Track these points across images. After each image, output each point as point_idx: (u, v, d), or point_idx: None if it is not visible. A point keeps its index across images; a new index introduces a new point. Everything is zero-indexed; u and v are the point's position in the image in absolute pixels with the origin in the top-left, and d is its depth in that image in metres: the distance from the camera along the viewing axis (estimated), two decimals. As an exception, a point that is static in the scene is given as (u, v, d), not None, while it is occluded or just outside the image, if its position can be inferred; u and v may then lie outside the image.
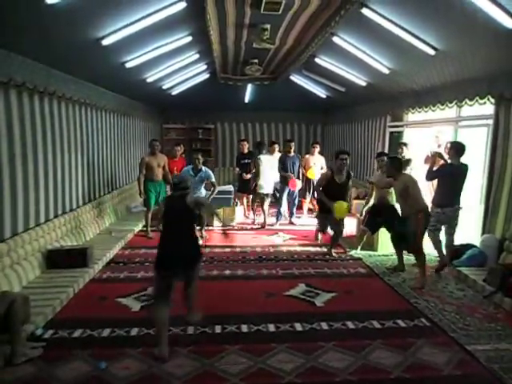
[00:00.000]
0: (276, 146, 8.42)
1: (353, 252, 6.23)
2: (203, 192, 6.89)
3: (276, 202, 8.52)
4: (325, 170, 8.68)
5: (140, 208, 8.13)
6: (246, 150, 8.78)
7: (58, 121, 5.51)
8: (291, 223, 8.25)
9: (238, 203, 8.73)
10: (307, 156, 8.95)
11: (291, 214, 8.31)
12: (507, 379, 3.00)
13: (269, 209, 8.22)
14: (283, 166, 7.92)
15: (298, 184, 8.01)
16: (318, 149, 8.84)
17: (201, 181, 6.72)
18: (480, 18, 3.90)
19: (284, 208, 8.21)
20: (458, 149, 5.29)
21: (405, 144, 7.02)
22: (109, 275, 5.18)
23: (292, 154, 8.08)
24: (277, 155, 8.31)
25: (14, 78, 4.24)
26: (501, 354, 3.36)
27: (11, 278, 4.14)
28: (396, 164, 5.11)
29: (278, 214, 8.12)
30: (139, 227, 7.35)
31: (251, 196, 8.39)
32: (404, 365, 3.24)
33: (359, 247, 6.36)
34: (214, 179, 6.83)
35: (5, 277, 4.05)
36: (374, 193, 6.16)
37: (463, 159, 5.33)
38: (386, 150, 8.29)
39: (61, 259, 4.91)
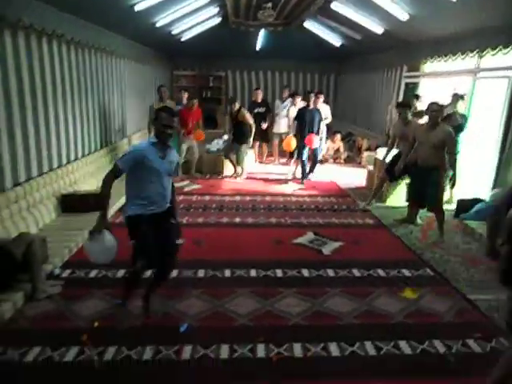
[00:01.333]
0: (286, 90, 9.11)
1: (363, 204, 6.22)
2: None
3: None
4: (329, 119, 8.53)
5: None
6: (259, 99, 8.71)
7: (68, 65, 5.43)
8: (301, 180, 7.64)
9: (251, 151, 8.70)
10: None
11: (305, 172, 7.62)
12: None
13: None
14: (300, 120, 7.37)
15: (315, 140, 7.39)
16: (321, 99, 8.17)
17: None
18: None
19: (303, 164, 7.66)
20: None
21: (416, 96, 6.85)
22: (121, 220, 5.28)
23: (311, 106, 7.44)
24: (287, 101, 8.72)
25: (22, 19, 4.15)
26: (502, 303, 3.45)
27: (28, 221, 4.27)
28: (438, 113, 4.83)
29: (304, 172, 7.60)
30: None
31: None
32: (406, 311, 3.36)
33: (373, 200, 6.20)
34: None
35: (22, 219, 4.18)
36: (402, 145, 5.82)
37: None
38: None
39: (75, 204, 5.03)
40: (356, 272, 4.03)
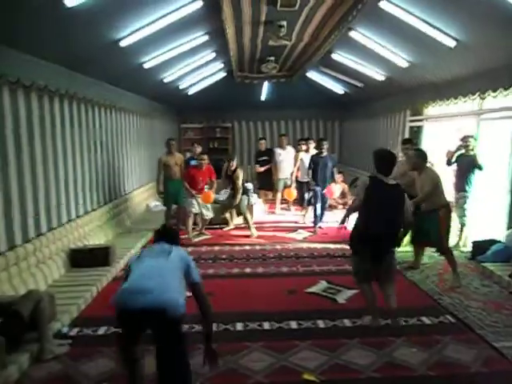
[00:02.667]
0: (283, 138, 9.11)
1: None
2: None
3: (302, 202, 8.07)
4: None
5: (160, 207, 8.20)
6: (263, 148, 8.87)
7: (78, 122, 5.59)
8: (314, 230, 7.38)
9: (259, 201, 8.72)
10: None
11: (317, 219, 7.36)
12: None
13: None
14: (313, 168, 7.29)
15: (336, 190, 7.32)
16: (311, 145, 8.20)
17: None
18: (502, 6, 3.80)
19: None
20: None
21: (409, 141, 6.84)
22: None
23: (324, 153, 7.29)
24: (290, 149, 8.84)
25: (36, 81, 4.32)
26: (530, 350, 3.27)
27: (37, 277, 4.23)
28: (424, 156, 4.90)
29: (316, 219, 7.35)
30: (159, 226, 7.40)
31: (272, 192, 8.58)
32: (429, 362, 3.19)
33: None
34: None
35: (31, 276, 4.15)
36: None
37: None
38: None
39: (84, 258, 4.99)
40: (373, 321, 3.87)
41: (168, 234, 3.02)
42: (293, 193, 8.15)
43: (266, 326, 3.81)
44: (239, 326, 3.81)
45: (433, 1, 4.44)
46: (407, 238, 5.76)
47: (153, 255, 2.77)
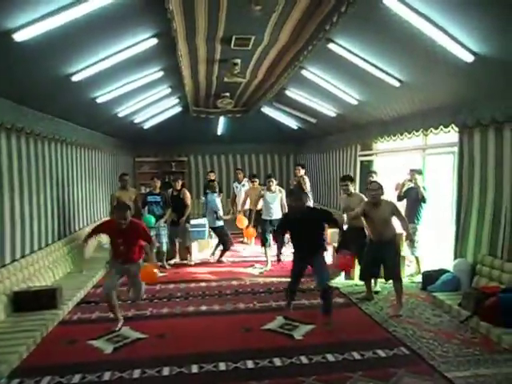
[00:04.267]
0: (239, 172, 9.47)
1: (333, 281, 6.14)
2: None
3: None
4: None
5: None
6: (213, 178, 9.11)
7: (26, 157, 5.38)
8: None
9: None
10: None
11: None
12: (488, 406, 2.99)
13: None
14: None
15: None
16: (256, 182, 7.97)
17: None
18: (440, 52, 4.11)
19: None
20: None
21: (374, 172, 7.18)
22: (79, 316, 4.97)
23: (273, 189, 7.20)
24: (246, 183, 9.02)
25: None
26: (480, 379, 3.35)
27: (-26, 324, 3.91)
28: (383, 188, 5.09)
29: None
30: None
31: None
32: (386, 397, 3.19)
33: (342, 274, 6.26)
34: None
35: (-33, 323, 3.83)
36: (345, 218, 6.20)
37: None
38: (357, 178, 8.44)
39: (28, 301, 4.68)
40: (330, 357, 3.84)
41: None
42: (244, 220, 7.73)
43: (222, 366, 3.69)
44: (194, 368, 3.66)
45: (378, 45, 4.72)
46: (357, 274, 5.89)
47: None
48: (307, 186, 8.05)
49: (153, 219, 6.74)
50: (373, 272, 5.30)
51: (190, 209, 7.34)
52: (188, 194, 7.37)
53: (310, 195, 7.76)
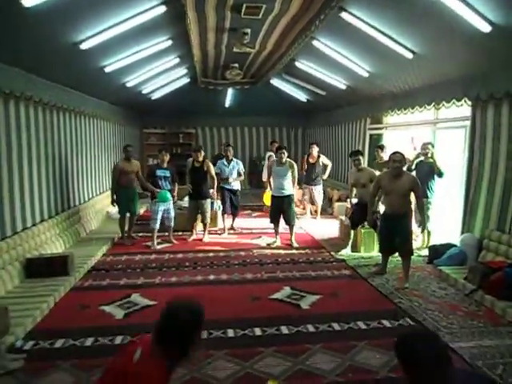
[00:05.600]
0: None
1: (340, 253, 6.22)
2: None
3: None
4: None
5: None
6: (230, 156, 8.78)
7: (35, 126, 5.39)
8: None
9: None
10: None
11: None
12: (491, 375, 3.05)
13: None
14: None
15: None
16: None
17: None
18: (456, 22, 4.00)
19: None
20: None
21: (381, 147, 7.11)
22: (91, 283, 5.08)
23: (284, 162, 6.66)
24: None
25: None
26: (484, 350, 3.42)
27: (-11, 289, 4.02)
28: (405, 160, 5.00)
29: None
30: (120, 233, 7.22)
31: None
32: (390, 364, 3.26)
33: (349, 246, 6.29)
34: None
35: (-18, 287, 3.93)
36: (355, 191, 6.24)
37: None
38: (366, 152, 8.40)
39: (40, 268, 4.79)
40: (336, 326, 3.92)
41: None
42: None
43: (230, 333, 3.79)
44: (203, 334, 3.75)
45: (392, 14, 4.60)
46: (373, 244, 5.96)
47: None
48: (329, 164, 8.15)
49: (168, 194, 6.64)
50: (390, 247, 5.16)
51: (215, 178, 7.14)
52: (211, 166, 7.07)
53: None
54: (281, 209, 6.67)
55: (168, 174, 6.70)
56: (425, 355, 1.67)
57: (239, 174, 7.66)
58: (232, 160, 7.62)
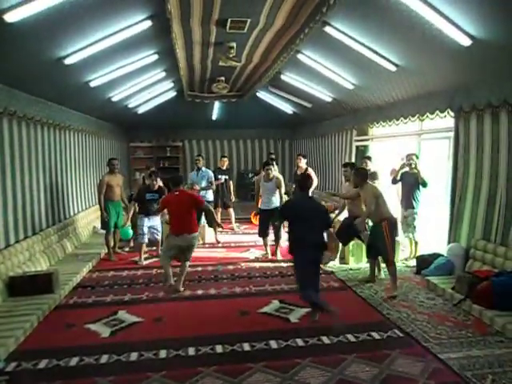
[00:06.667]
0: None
1: (328, 265, 6.20)
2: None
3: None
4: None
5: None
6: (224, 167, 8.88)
7: (18, 142, 5.32)
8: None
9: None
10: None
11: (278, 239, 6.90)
12: (480, 386, 3.05)
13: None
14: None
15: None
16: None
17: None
18: (437, 36, 4.08)
19: None
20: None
21: (368, 158, 7.17)
22: (76, 300, 4.98)
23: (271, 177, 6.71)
24: None
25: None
26: (473, 360, 3.41)
27: (-30, 309, 3.91)
28: (360, 174, 5.27)
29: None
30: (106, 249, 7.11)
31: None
32: (380, 378, 3.24)
33: (337, 258, 6.34)
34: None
35: (-37, 307, 3.82)
36: (348, 203, 6.24)
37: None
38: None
39: (24, 286, 4.68)
40: (325, 339, 3.89)
41: None
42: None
43: (219, 349, 3.73)
44: (191, 351, 3.70)
45: (374, 28, 4.67)
46: (362, 255, 6.02)
47: None
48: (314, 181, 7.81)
49: (130, 231, 7.13)
50: (371, 252, 5.40)
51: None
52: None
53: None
54: (270, 220, 6.64)
55: (157, 196, 6.49)
56: None
57: (211, 183, 7.83)
58: (201, 169, 7.90)
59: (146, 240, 6.60)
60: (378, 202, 5.08)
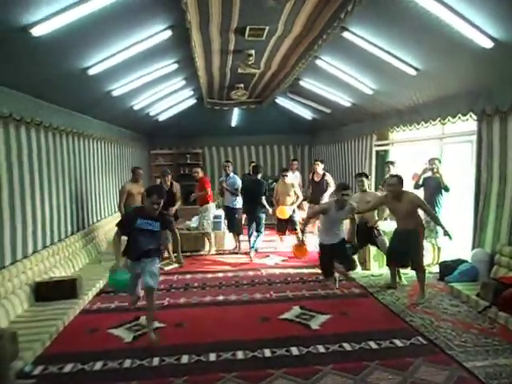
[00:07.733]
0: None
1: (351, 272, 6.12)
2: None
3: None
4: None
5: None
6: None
7: (45, 151, 5.48)
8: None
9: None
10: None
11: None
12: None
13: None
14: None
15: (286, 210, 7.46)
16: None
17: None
18: (458, 38, 4.03)
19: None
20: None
21: (392, 163, 7.09)
22: (99, 306, 5.07)
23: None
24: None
25: (0, 109, 4.23)
26: (499, 369, 3.33)
27: (-1, 313, 4.03)
28: (402, 182, 5.14)
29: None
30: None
31: None
32: (403, 385, 3.20)
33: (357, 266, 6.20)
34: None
35: (-8, 312, 3.94)
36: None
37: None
38: (373, 169, 8.40)
39: (49, 291, 4.80)
40: (347, 346, 3.86)
41: None
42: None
43: (240, 355, 3.74)
44: (212, 357, 3.72)
45: (393, 32, 4.65)
46: (383, 260, 5.92)
47: None
48: (331, 185, 7.81)
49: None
50: (398, 259, 5.25)
51: (179, 201, 7.31)
52: (178, 188, 7.38)
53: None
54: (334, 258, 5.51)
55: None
56: None
57: (236, 190, 7.59)
58: (229, 176, 7.78)
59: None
60: (415, 209, 5.04)
